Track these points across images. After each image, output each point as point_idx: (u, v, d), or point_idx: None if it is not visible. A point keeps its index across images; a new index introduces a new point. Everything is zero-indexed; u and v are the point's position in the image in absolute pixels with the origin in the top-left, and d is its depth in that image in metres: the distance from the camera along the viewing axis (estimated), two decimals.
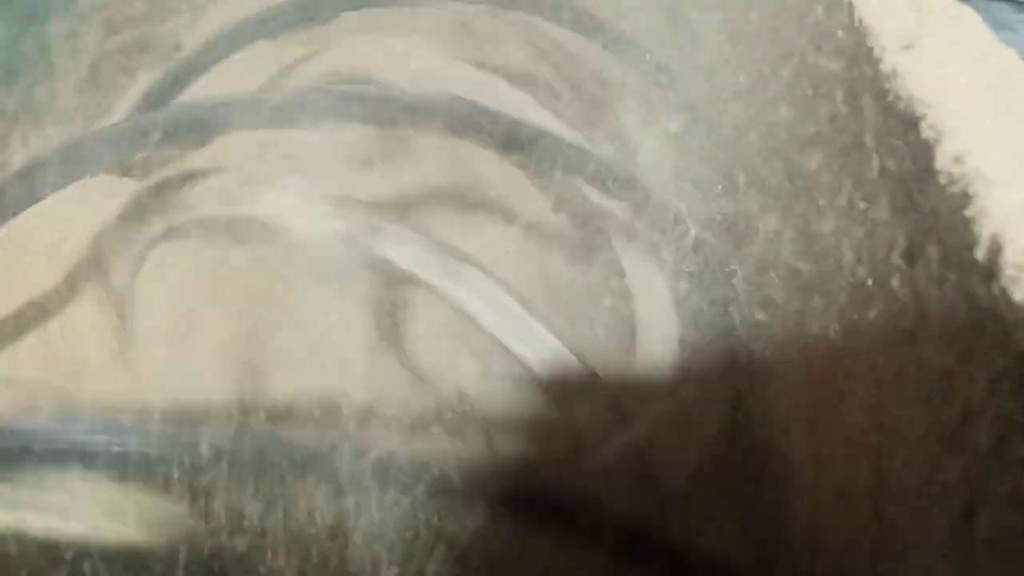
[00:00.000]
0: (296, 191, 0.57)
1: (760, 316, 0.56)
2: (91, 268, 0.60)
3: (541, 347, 0.50)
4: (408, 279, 0.54)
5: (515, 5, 0.71)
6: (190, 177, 0.59)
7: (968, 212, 0.30)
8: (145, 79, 0.88)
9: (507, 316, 0.50)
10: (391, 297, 0.59)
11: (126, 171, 0.65)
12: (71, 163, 0.52)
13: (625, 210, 0.58)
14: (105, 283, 0.60)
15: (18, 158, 0.83)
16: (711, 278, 0.59)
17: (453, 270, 0.52)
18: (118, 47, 0.93)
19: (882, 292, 0.39)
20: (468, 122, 0.52)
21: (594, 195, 0.60)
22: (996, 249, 0.27)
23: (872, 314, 0.41)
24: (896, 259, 0.37)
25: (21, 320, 0.59)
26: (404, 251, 0.52)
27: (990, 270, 0.27)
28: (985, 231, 0.28)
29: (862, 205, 0.42)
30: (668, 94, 0.69)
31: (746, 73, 0.60)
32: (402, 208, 0.62)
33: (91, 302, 0.60)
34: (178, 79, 0.71)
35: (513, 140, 0.53)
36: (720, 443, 0.57)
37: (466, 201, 0.66)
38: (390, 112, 0.54)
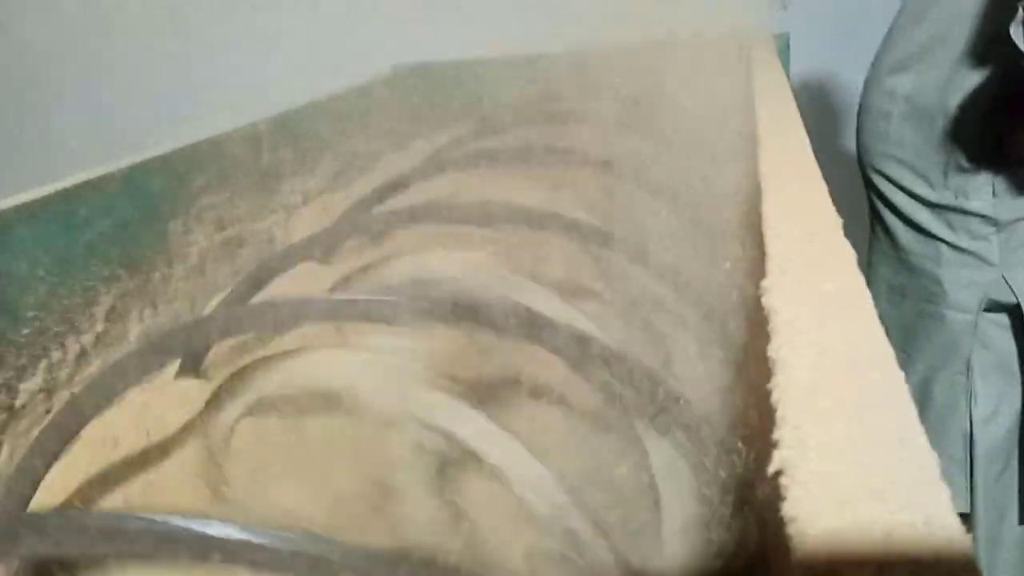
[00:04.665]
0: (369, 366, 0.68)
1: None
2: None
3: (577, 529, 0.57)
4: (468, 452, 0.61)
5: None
6: (268, 360, 0.72)
7: None
8: (242, 266, 1.18)
9: (547, 495, 0.56)
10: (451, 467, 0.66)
11: (200, 374, 0.85)
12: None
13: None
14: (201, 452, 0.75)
15: (134, 332, 1.12)
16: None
17: (506, 447, 0.59)
18: (223, 241, 1.18)
19: None
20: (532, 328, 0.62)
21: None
22: None
23: None
24: None
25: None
26: (463, 426, 0.61)
27: None
28: None
29: None
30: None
31: None
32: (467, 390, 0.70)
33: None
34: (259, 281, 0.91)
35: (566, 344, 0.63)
36: None
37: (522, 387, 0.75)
38: (464, 315, 0.62)
